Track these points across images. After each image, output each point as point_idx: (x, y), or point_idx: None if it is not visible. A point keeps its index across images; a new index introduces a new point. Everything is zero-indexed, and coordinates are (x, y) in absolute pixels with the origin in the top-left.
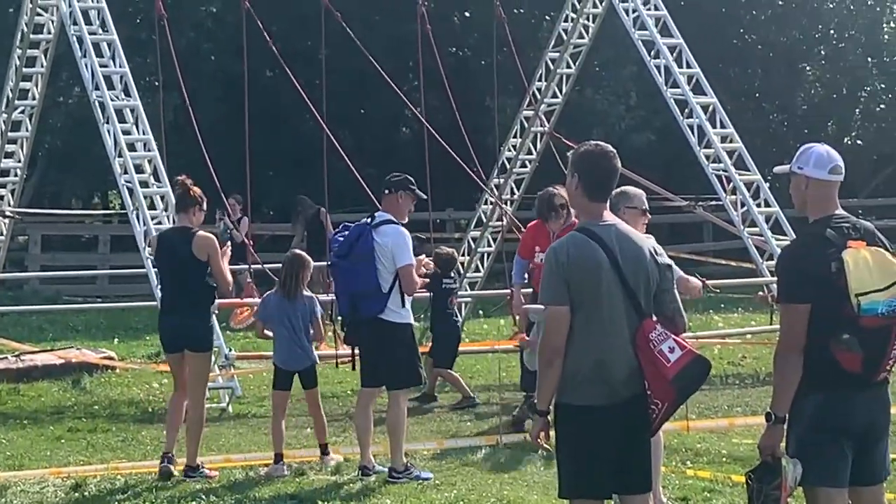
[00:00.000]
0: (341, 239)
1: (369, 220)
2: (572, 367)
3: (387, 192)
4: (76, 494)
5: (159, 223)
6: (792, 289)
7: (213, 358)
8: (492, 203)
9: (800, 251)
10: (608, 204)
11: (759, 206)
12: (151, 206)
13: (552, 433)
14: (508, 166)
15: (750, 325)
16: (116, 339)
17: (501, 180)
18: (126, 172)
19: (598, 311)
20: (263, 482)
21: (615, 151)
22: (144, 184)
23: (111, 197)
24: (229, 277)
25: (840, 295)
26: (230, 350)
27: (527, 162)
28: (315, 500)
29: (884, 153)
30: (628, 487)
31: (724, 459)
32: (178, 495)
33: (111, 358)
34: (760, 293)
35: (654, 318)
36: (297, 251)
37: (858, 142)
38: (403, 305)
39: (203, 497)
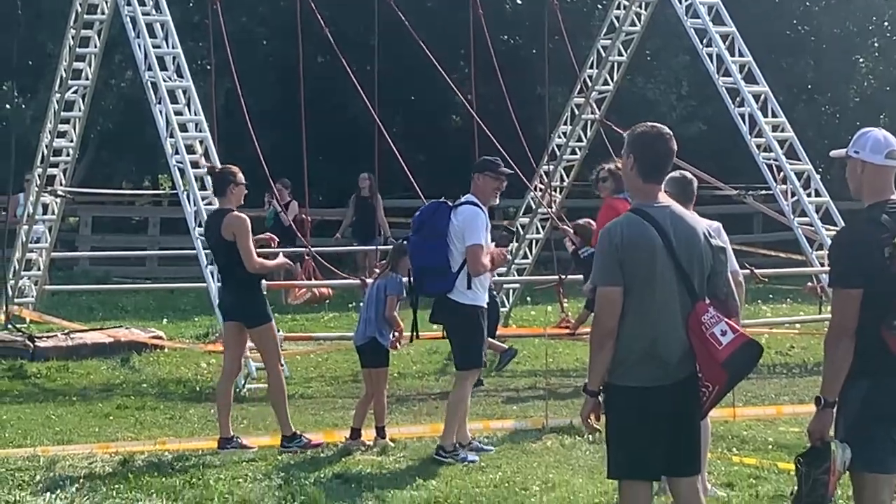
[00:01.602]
0: (418, 214)
1: (453, 201)
2: (624, 348)
3: (472, 174)
4: (123, 470)
5: (209, 203)
6: (844, 273)
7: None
8: (541, 190)
9: (853, 236)
10: (662, 186)
11: (809, 195)
12: (202, 188)
13: (602, 415)
14: (558, 153)
15: (798, 316)
16: (165, 320)
17: (551, 167)
18: (177, 153)
19: (651, 292)
20: (309, 461)
21: (671, 133)
22: (195, 164)
23: (161, 180)
24: (256, 259)
25: (893, 280)
26: (278, 331)
27: (577, 149)
28: (360, 480)
29: None
30: (678, 469)
31: (770, 447)
32: (225, 472)
33: (160, 337)
34: (810, 284)
35: (707, 301)
36: (402, 241)
37: None
38: (470, 287)
39: (249, 475)
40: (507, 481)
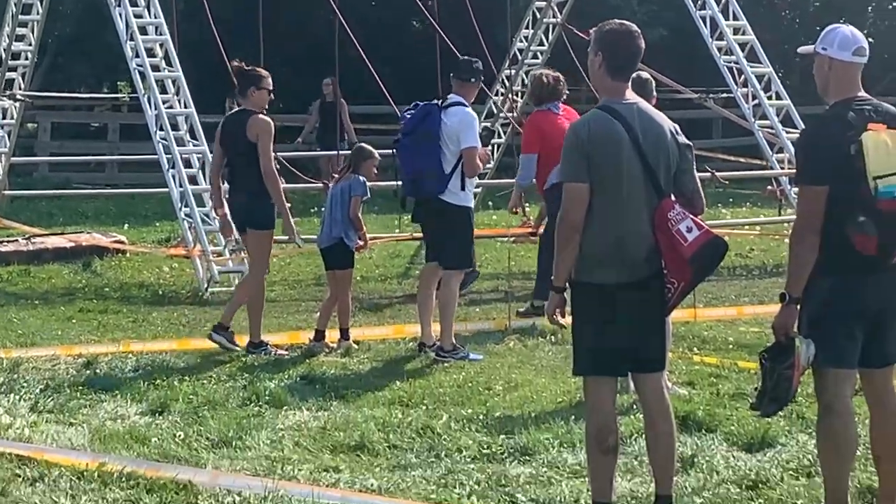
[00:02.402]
0: (409, 117)
1: (440, 101)
2: (590, 245)
3: (458, 78)
4: (88, 372)
5: (170, 107)
6: (810, 170)
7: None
8: (502, 95)
9: (819, 133)
10: (630, 84)
11: (770, 98)
12: (163, 91)
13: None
14: (520, 58)
15: (758, 218)
16: (127, 225)
17: (512, 72)
18: (138, 56)
19: (618, 189)
20: (273, 364)
21: (640, 31)
22: (156, 68)
23: (120, 87)
24: (273, 164)
25: (858, 177)
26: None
27: (538, 54)
28: (324, 382)
29: (894, 52)
30: (642, 366)
31: (730, 346)
32: (190, 374)
33: (122, 242)
34: (769, 187)
35: (673, 198)
36: (362, 145)
37: (870, 39)
38: (463, 189)
39: (213, 376)
40: (471, 381)
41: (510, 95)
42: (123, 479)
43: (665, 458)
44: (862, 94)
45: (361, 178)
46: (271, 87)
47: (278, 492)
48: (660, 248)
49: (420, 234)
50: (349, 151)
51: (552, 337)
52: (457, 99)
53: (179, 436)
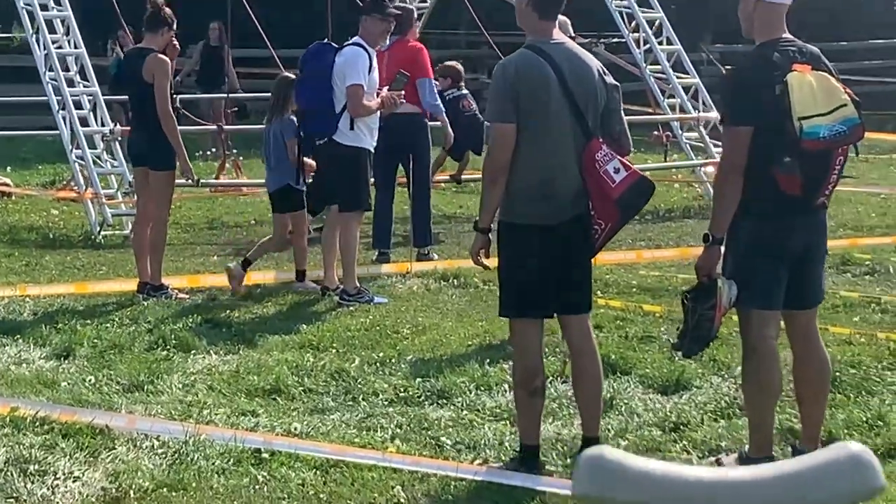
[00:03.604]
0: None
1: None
2: (517, 185)
3: (360, 16)
4: None
5: (60, 47)
6: (735, 110)
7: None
8: None
9: (745, 73)
10: (556, 23)
11: (661, 44)
12: (52, 31)
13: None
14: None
15: (645, 164)
16: (9, 168)
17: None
18: None
19: (546, 129)
20: (175, 307)
21: None
22: (44, 7)
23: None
24: (168, 105)
25: (783, 117)
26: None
27: None
28: (230, 325)
29: None
30: (569, 307)
31: (633, 290)
32: (91, 318)
33: (6, 185)
34: (655, 132)
35: (601, 139)
36: (286, 74)
37: None
38: (352, 128)
39: (116, 320)
40: (378, 325)
41: None
42: (37, 423)
43: (592, 400)
44: (787, 35)
45: (292, 116)
46: (176, 31)
47: (199, 436)
48: (587, 189)
49: None
50: (235, 95)
51: (454, 280)
52: (355, 39)
53: (90, 380)
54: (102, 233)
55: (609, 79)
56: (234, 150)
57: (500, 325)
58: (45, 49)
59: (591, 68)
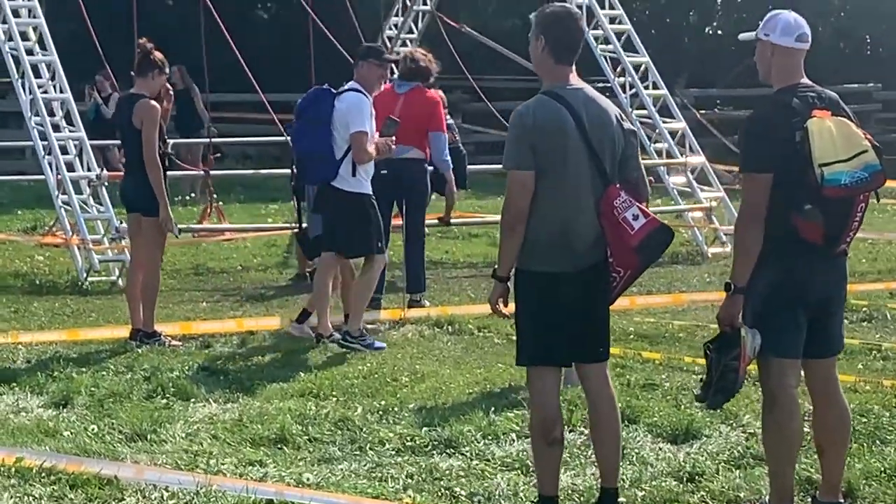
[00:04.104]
0: (300, 101)
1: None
2: (535, 233)
3: (357, 62)
4: None
5: (45, 92)
6: (754, 158)
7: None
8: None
9: (764, 120)
10: (572, 68)
11: (647, 88)
12: (37, 76)
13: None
14: (389, 45)
15: None
16: None
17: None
18: (11, 39)
19: (564, 176)
20: (169, 355)
21: (580, 13)
22: (29, 52)
23: None
24: (155, 153)
25: (803, 164)
26: (121, 222)
27: (408, 42)
28: (227, 373)
29: (742, 44)
30: (587, 356)
31: (630, 337)
32: (86, 365)
33: None
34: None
35: (619, 185)
36: None
37: (719, 31)
38: (354, 175)
39: (111, 367)
40: (376, 372)
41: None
42: (44, 474)
43: (611, 450)
44: (805, 80)
45: None
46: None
47: (210, 486)
48: (605, 237)
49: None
50: (209, 139)
51: (448, 327)
52: (352, 85)
53: (92, 429)
54: (89, 279)
55: (626, 124)
56: (215, 195)
57: (499, 373)
58: (30, 94)
59: (609, 114)
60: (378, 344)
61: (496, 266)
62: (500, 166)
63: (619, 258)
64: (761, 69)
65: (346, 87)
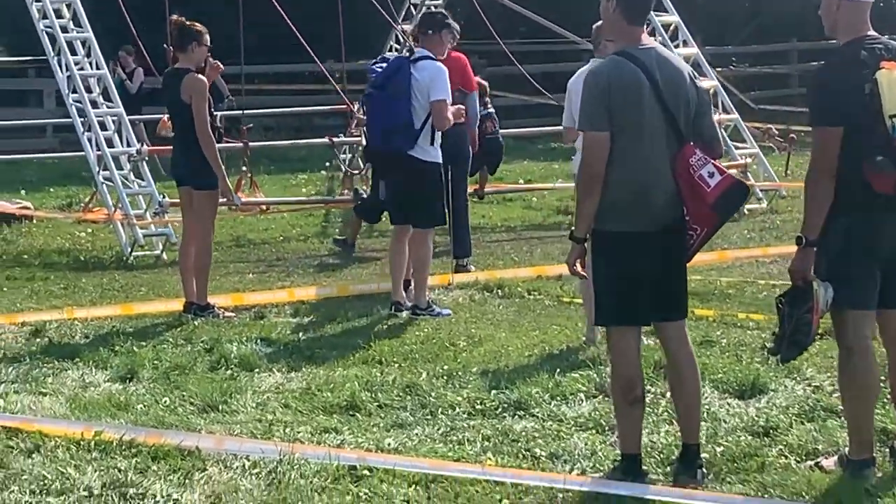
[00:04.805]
0: (379, 70)
1: (409, 55)
2: (612, 193)
3: (429, 31)
4: (39, 340)
5: (82, 69)
6: (824, 111)
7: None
8: (396, 51)
9: (832, 73)
10: (644, 28)
11: (677, 47)
12: (73, 52)
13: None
14: (414, 12)
15: None
16: (23, 192)
17: (409, 25)
18: (45, 17)
19: (639, 136)
20: (225, 326)
21: None
22: (64, 29)
23: None
24: (207, 127)
25: (874, 116)
26: (163, 197)
27: (433, 7)
28: (285, 343)
29: (755, 0)
30: (666, 314)
31: None
32: (146, 339)
33: (27, 208)
34: None
35: (693, 143)
36: None
37: None
38: (432, 144)
39: (171, 341)
40: (433, 338)
41: (406, 50)
42: (124, 447)
43: (693, 408)
44: (872, 32)
45: None
46: (209, 44)
47: (293, 454)
48: (681, 195)
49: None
50: (230, 111)
51: (498, 291)
52: (425, 53)
53: (164, 402)
54: (134, 253)
55: (699, 81)
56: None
57: (555, 335)
58: (67, 71)
59: (682, 73)
60: (445, 311)
61: (572, 228)
62: (520, 130)
63: (696, 216)
64: (827, 23)
65: (417, 54)
